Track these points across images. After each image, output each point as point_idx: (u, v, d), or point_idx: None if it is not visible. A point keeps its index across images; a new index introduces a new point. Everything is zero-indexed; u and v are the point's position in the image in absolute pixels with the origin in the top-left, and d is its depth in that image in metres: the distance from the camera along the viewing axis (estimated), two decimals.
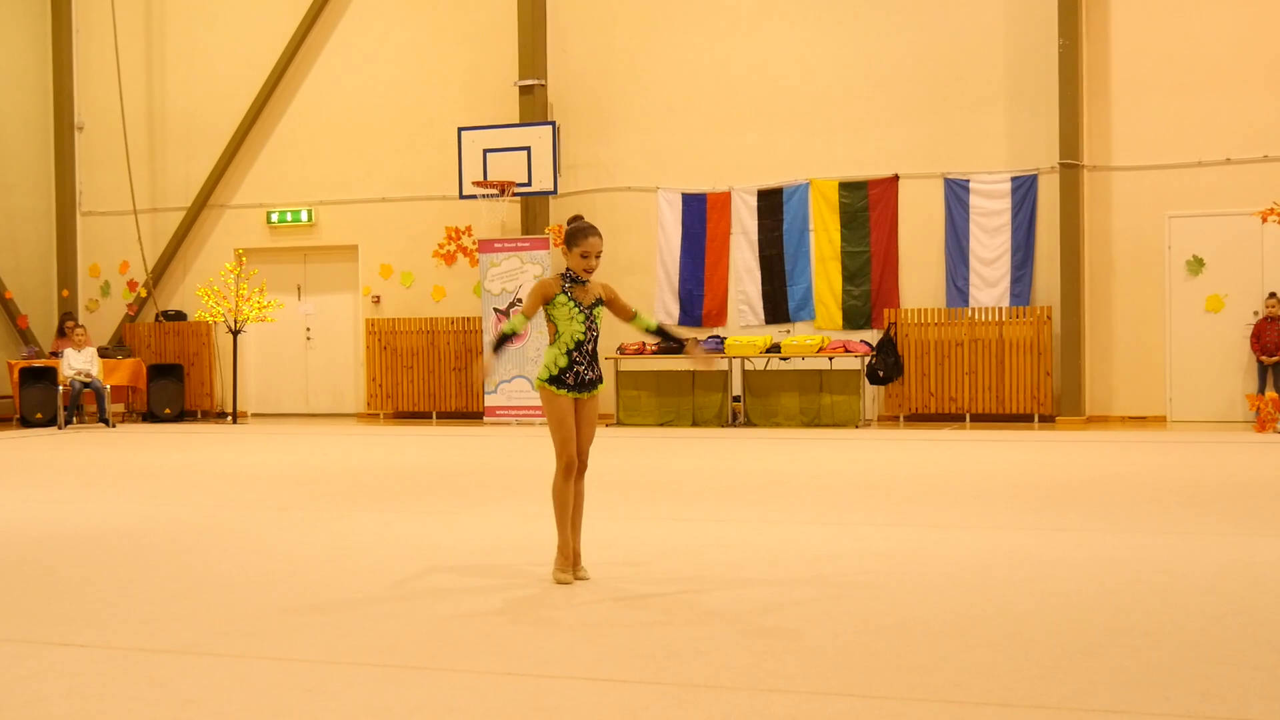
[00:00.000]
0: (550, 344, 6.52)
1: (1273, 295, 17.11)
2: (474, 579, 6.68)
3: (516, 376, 19.27)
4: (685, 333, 19.22)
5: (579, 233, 6.45)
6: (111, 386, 20.65)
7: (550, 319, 6.50)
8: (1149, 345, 17.89)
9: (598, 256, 6.46)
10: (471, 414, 20.17)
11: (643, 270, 19.93)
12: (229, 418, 21.12)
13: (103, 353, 21.27)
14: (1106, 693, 4.30)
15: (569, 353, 6.48)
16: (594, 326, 6.50)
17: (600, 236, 6.50)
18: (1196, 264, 17.69)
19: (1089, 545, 7.53)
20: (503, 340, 6.39)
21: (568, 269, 6.51)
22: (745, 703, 4.23)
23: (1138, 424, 17.60)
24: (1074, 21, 17.82)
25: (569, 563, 6.49)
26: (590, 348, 6.48)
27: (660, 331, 6.73)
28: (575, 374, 6.49)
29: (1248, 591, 6.08)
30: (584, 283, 6.49)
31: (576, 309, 6.46)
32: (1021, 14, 18.36)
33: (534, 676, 4.66)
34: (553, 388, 6.47)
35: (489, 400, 19.46)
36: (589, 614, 5.71)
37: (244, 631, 5.48)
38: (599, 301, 6.55)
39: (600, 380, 6.61)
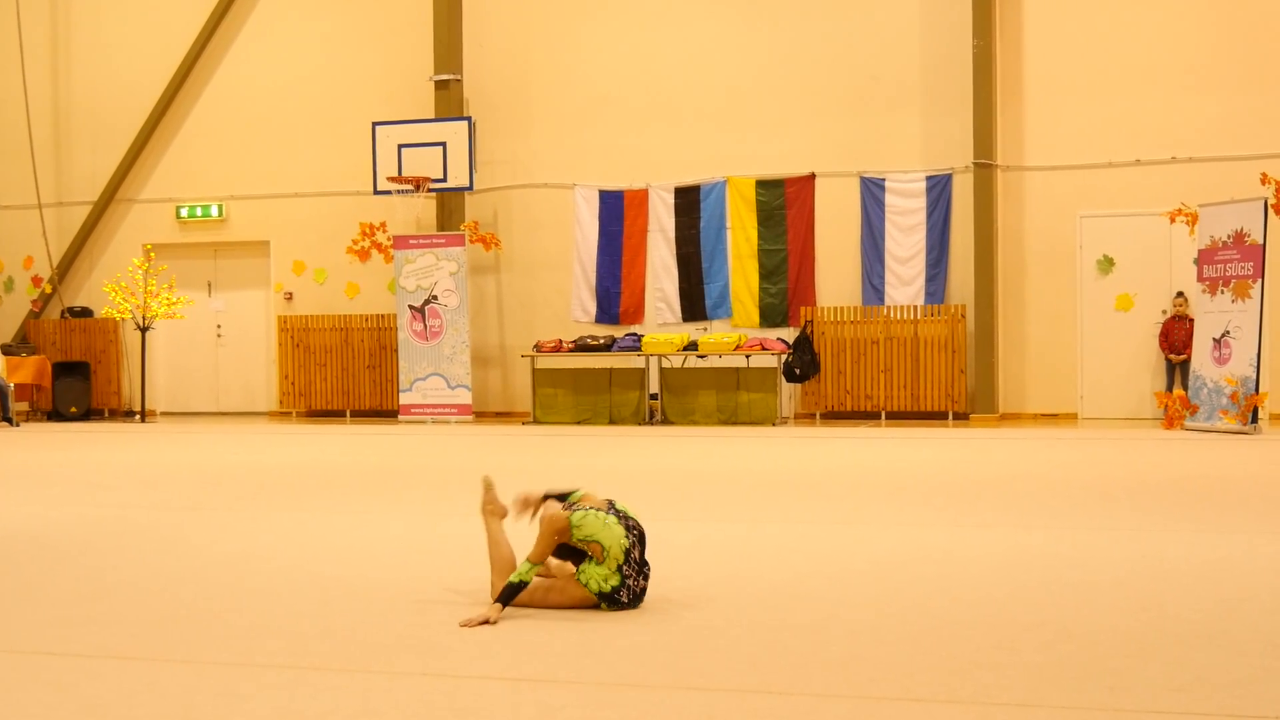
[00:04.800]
0: (596, 563, 5.64)
1: (1180, 294, 17.44)
2: (389, 580, 6.64)
3: (432, 374, 19.17)
4: (597, 359, 19.21)
5: (560, 498, 5.93)
6: (15, 384, 20.25)
7: (584, 543, 5.62)
8: (1061, 343, 18.16)
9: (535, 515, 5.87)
10: (386, 412, 20.04)
11: (559, 268, 19.90)
12: (137, 416, 20.80)
13: (6, 350, 20.85)
14: (1020, 687, 4.37)
15: (620, 568, 5.62)
16: (635, 524, 5.68)
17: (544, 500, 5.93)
18: (1107, 263, 17.99)
19: (1002, 542, 7.63)
20: (513, 592, 5.54)
21: (566, 499, 5.91)
22: (664, 700, 4.25)
23: (1050, 421, 17.86)
24: (988, 23, 18.05)
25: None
26: (639, 553, 5.66)
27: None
28: (629, 589, 5.65)
29: (1157, 586, 6.20)
30: (578, 499, 5.85)
31: (602, 513, 5.64)
32: (937, 15, 18.56)
33: (451, 677, 4.64)
34: (605, 605, 5.64)
35: (404, 398, 19.33)
36: (506, 614, 5.69)
37: (153, 635, 5.40)
38: (611, 505, 5.82)
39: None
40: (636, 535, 5.64)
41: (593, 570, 5.61)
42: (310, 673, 4.73)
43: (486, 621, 5.40)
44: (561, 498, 5.99)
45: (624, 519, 5.67)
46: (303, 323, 20.49)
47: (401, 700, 4.34)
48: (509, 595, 5.51)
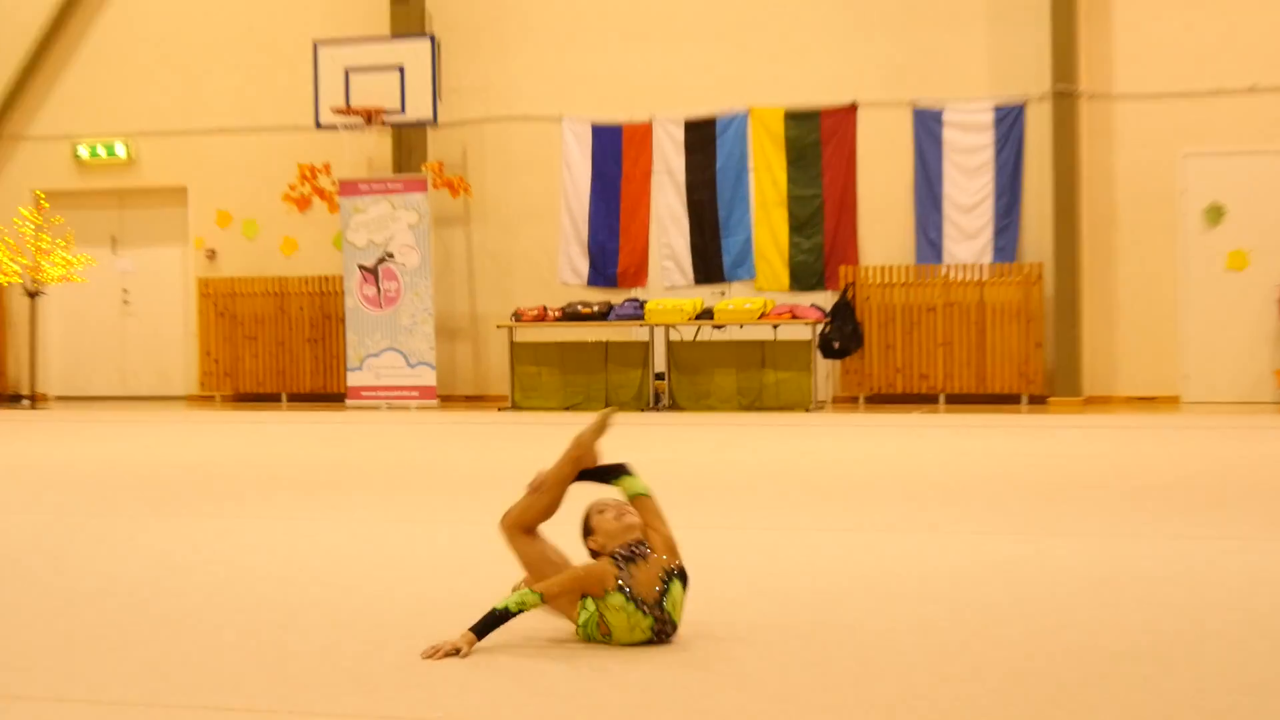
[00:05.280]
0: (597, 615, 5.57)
1: None
2: (332, 600, 6.62)
3: (388, 350, 19.14)
4: (600, 331, 19.21)
5: (588, 517, 5.78)
6: None
7: (599, 615, 5.52)
8: (1159, 311, 18.09)
9: (617, 514, 5.70)
10: (331, 396, 20.02)
11: (544, 218, 19.85)
12: (26, 401, 20.79)
13: None
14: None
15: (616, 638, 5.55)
16: (667, 620, 5.52)
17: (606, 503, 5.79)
18: (1216, 212, 17.92)
19: (1087, 554, 7.60)
20: (496, 623, 5.46)
21: (613, 554, 5.59)
22: None
23: (1146, 406, 17.82)
24: None
25: None
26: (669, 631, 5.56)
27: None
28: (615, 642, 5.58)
29: None
30: (643, 554, 5.57)
31: (639, 611, 5.49)
32: None
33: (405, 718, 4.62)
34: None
35: (353, 379, 19.31)
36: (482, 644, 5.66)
37: (45, 669, 5.38)
38: (673, 574, 5.58)
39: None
40: (656, 636, 5.52)
41: (590, 614, 5.54)
42: (235, 715, 4.69)
43: (456, 652, 5.37)
44: (603, 475, 5.90)
45: (659, 622, 5.50)
46: (229, 287, 20.46)
47: None
48: (490, 625, 5.43)
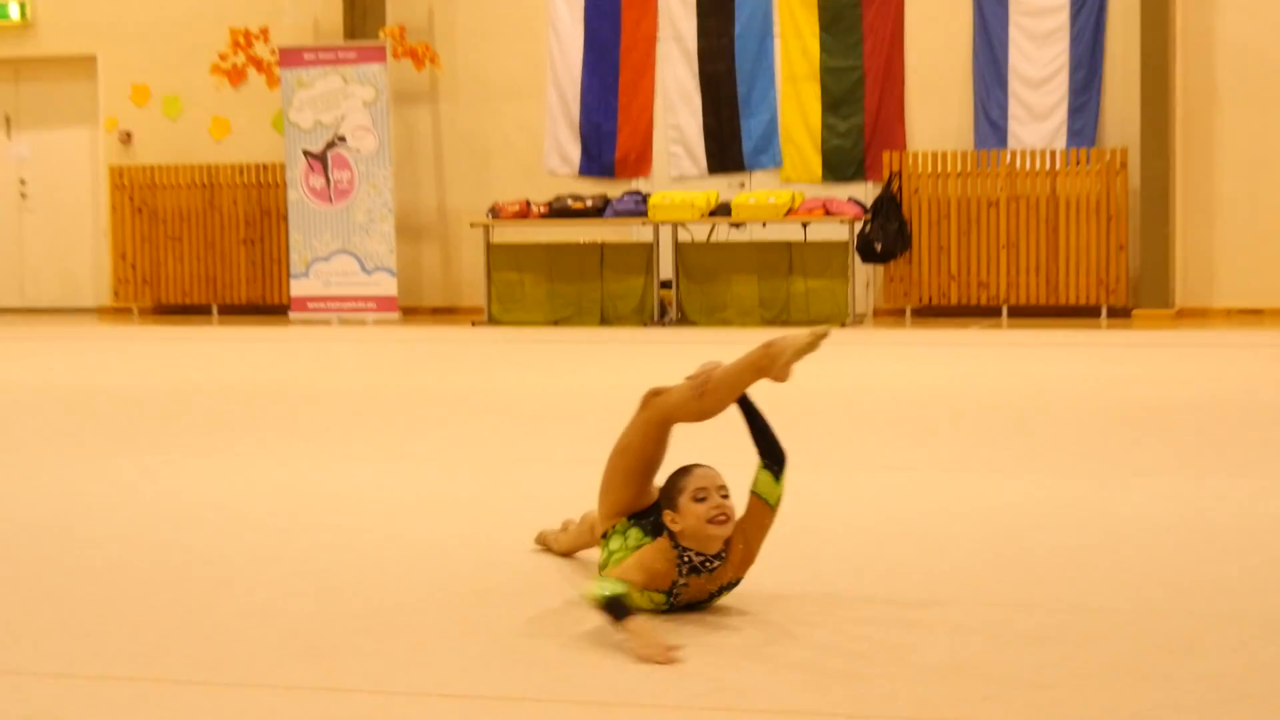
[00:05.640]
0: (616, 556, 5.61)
1: None
2: (273, 552, 6.65)
3: (339, 253, 19.11)
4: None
5: (678, 476, 5.53)
6: None
7: (627, 585, 5.34)
8: (1268, 206, 18.05)
9: (722, 491, 5.45)
10: (272, 308, 20.02)
11: (526, 95, 19.76)
12: None
13: None
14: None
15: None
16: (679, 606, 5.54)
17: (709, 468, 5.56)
18: None
19: (1179, 495, 7.62)
20: (616, 607, 5.20)
21: (684, 551, 5.44)
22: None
23: (1250, 320, 17.81)
24: None
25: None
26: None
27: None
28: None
29: None
30: (713, 568, 5.46)
31: (665, 602, 5.49)
32: None
33: (365, 693, 4.66)
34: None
35: (297, 288, 19.30)
36: (429, 604, 5.72)
37: None
38: (727, 588, 5.56)
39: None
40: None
41: (617, 557, 5.54)
42: (164, 686, 4.73)
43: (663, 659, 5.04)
44: (762, 435, 5.73)
45: (671, 608, 5.48)
46: (147, 177, 20.44)
47: None
48: (620, 610, 5.18)
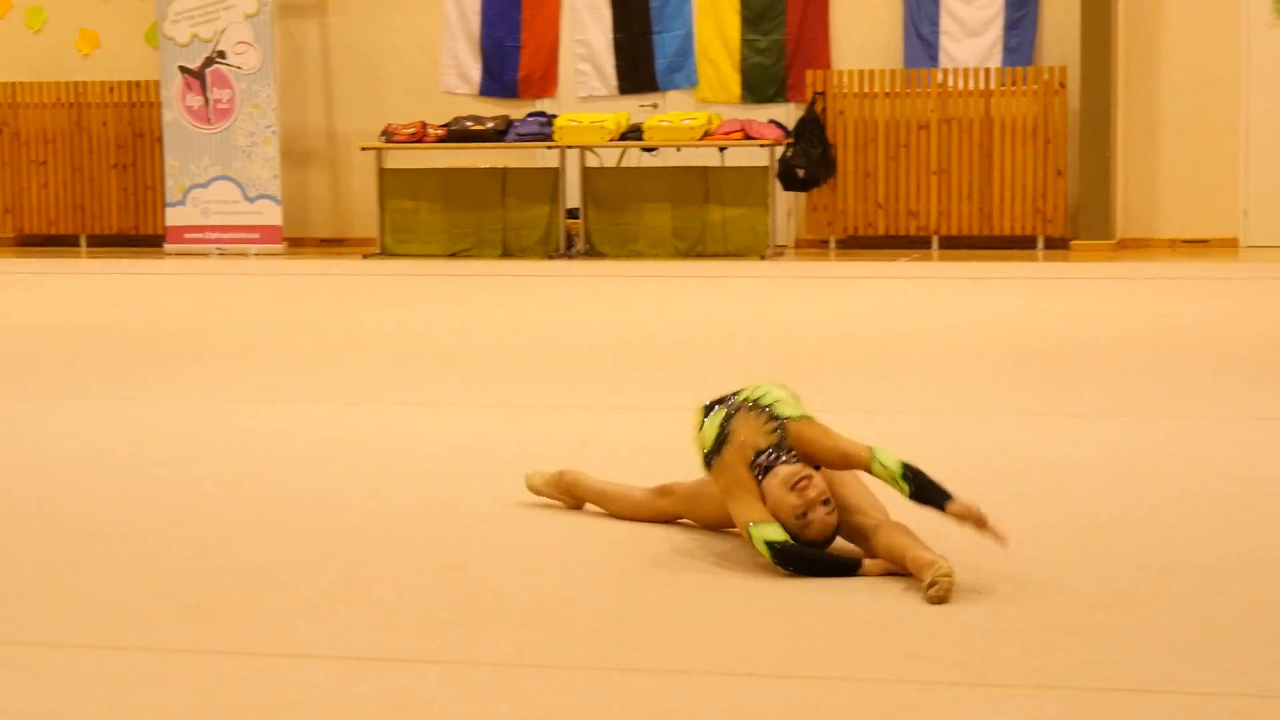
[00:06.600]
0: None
1: None
2: (147, 504, 6.62)
3: (219, 179, 18.98)
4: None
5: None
6: None
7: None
8: (1215, 130, 18.15)
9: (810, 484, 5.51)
10: (145, 239, 19.89)
11: (424, 8, 19.65)
12: None
13: None
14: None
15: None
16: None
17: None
18: None
19: (1122, 438, 7.70)
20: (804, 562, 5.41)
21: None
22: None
23: (1197, 251, 17.92)
24: None
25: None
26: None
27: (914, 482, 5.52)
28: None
29: None
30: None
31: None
32: None
33: (242, 655, 4.65)
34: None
35: (173, 217, 19.15)
36: (310, 560, 5.71)
37: None
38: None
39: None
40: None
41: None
42: (23, 651, 4.67)
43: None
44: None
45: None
46: (7, 95, 20.29)
47: (181, 689, 4.29)
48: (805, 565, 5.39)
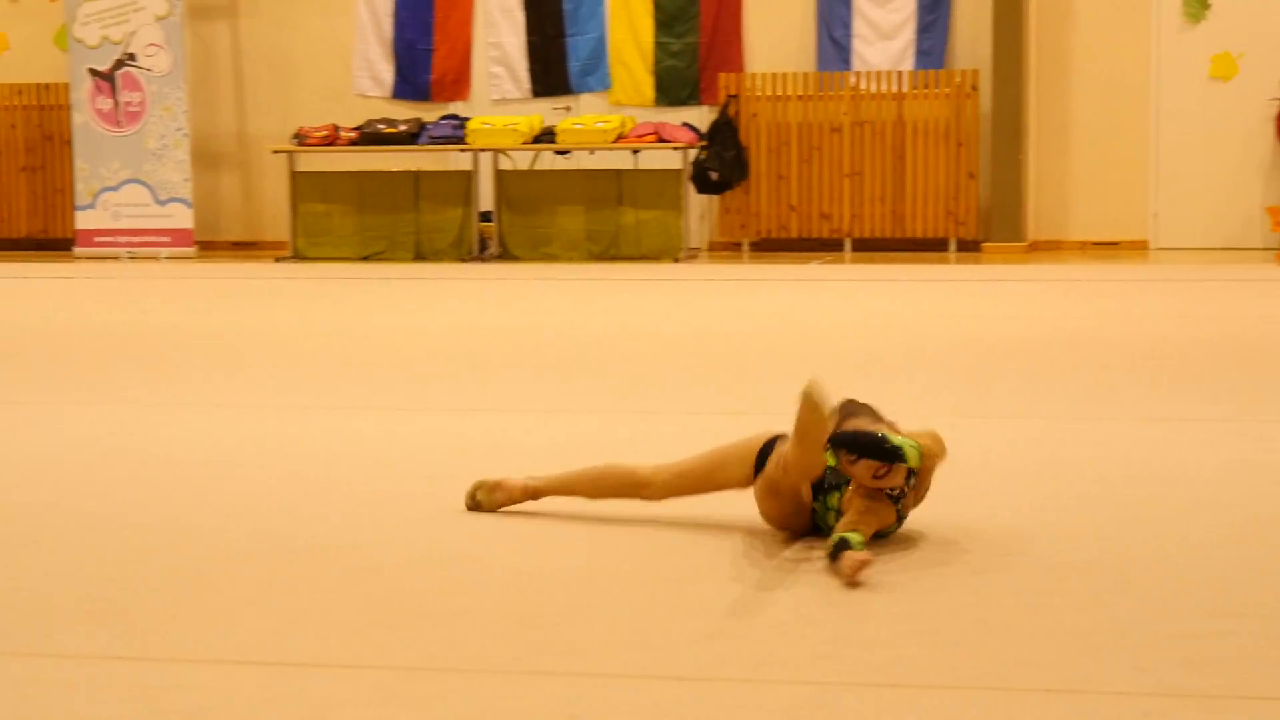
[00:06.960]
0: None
1: None
2: (67, 509, 6.57)
3: (130, 182, 18.89)
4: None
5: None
6: None
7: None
8: (1125, 132, 18.27)
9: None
10: (55, 243, 19.78)
11: (336, 10, 19.67)
12: None
13: None
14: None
15: None
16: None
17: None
18: (1198, 7, 18.07)
19: (1033, 438, 7.72)
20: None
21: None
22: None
23: (1107, 253, 18.05)
24: None
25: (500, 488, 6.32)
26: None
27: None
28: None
29: (1220, 491, 6.30)
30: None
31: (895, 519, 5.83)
32: None
33: (165, 661, 4.63)
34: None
35: (83, 220, 19.07)
36: (234, 565, 5.69)
37: None
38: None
39: None
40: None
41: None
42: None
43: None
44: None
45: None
46: None
47: (102, 694, 4.26)
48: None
